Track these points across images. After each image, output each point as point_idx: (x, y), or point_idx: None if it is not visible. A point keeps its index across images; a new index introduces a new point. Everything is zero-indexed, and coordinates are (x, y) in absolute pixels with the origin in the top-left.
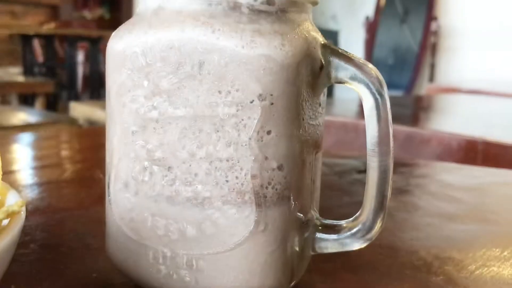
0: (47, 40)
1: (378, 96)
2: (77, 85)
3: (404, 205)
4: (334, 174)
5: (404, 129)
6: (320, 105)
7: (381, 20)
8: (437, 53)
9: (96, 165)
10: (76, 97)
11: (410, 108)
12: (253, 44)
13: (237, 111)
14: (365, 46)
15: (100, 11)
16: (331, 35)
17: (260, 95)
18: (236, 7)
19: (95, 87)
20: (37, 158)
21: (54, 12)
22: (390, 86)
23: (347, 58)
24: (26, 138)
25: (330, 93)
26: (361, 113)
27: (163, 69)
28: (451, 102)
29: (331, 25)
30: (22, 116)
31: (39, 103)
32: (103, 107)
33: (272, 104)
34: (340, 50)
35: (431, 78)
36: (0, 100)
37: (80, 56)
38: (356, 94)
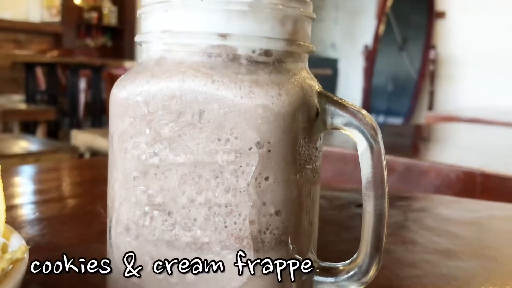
0: (50, 68)
1: (372, 142)
2: (78, 112)
3: (401, 241)
4: (333, 209)
5: (403, 160)
6: (317, 149)
7: (380, 48)
8: (436, 80)
9: (96, 199)
10: (78, 124)
11: (409, 138)
12: (251, 95)
13: (235, 158)
14: (364, 74)
15: (102, 39)
16: (331, 63)
17: (258, 143)
18: (235, 59)
19: (97, 114)
20: (38, 192)
21: (57, 40)
22: (390, 113)
23: (341, 106)
24: (27, 170)
25: None
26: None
27: (165, 117)
28: (450, 131)
29: (331, 53)
30: (24, 144)
31: (40, 130)
32: (104, 135)
33: (269, 151)
34: (335, 98)
35: (430, 106)
36: (2, 128)
37: (82, 84)
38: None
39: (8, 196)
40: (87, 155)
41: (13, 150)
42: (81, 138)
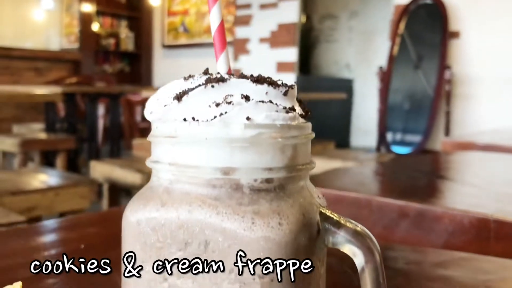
0: (69, 96)
1: (370, 259)
2: (97, 138)
3: None
4: (345, 272)
5: (416, 205)
6: (320, 261)
7: (395, 66)
8: (452, 100)
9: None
10: (97, 150)
11: (423, 175)
12: (254, 227)
13: (239, 287)
14: (379, 95)
15: (120, 65)
16: (346, 84)
17: (261, 272)
18: (238, 188)
19: (115, 139)
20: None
21: (76, 67)
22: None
23: (340, 225)
24: (49, 226)
25: (346, 143)
26: (375, 187)
27: (173, 246)
28: (465, 164)
29: (346, 74)
30: (43, 177)
31: (60, 159)
32: (122, 165)
33: (272, 280)
34: (334, 218)
35: (447, 126)
36: (23, 157)
37: (101, 109)
38: (372, 145)
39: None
40: (105, 186)
41: (34, 185)
42: (100, 170)
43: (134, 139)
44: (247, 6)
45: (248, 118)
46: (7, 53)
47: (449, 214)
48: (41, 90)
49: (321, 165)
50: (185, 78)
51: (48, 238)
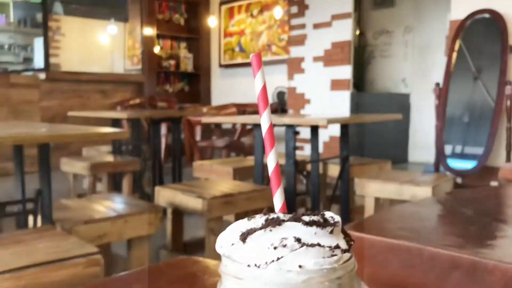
0: (133, 120)
1: None
2: (160, 156)
3: None
4: None
5: (467, 257)
6: None
7: (453, 78)
8: None
9: None
10: (160, 168)
11: (480, 217)
12: None
13: None
14: (436, 111)
15: (180, 85)
16: (402, 99)
17: None
18: None
19: (176, 156)
20: None
21: (139, 88)
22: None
23: None
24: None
25: (404, 158)
26: (427, 235)
27: None
28: None
29: (401, 89)
30: (112, 204)
31: (126, 180)
32: (183, 190)
33: None
34: None
35: (508, 150)
36: (93, 179)
37: (163, 129)
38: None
39: None
40: (169, 210)
41: (104, 213)
42: (164, 194)
43: (194, 161)
44: (302, 26)
45: (300, 266)
46: (76, 78)
47: (500, 268)
48: (108, 114)
49: (377, 189)
50: (248, 219)
51: None
